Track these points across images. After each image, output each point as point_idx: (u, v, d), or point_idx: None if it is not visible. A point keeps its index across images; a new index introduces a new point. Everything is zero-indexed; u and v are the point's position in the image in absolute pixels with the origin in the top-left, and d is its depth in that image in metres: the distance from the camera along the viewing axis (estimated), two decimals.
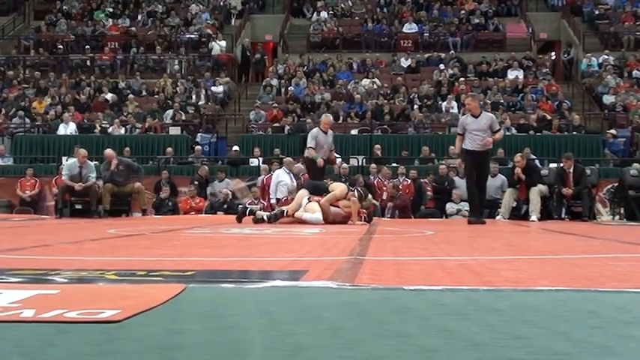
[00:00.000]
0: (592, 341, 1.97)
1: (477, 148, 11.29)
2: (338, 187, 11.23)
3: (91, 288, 3.11)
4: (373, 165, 17.74)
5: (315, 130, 13.36)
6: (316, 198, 11.02)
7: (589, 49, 26.70)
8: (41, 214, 16.46)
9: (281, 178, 15.42)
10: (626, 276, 3.78)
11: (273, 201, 14.87)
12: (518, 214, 14.28)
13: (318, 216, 10.70)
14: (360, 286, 3.09)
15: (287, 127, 21.61)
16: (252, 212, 11.59)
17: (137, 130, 21.53)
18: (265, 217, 10.85)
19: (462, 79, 24.44)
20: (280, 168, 16.05)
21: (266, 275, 3.63)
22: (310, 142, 12.98)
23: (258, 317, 2.33)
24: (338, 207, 10.97)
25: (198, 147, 20.28)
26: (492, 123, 11.56)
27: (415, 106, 22.71)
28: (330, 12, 30.20)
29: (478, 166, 11.50)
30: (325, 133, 13.10)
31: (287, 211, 10.81)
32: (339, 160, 19.00)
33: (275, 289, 3.05)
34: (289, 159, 16.59)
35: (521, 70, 25.34)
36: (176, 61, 26.93)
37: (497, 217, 14.38)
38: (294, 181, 14.95)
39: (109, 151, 15.08)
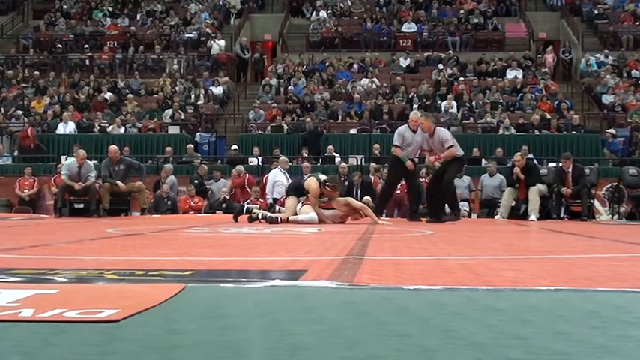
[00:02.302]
0: (592, 341, 1.97)
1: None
2: (310, 186, 10.91)
3: (90, 287, 3.10)
4: (373, 164, 17.75)
5: (403, 127, 12.54)
6: (308, 202, 10.99)
7: (588, 49, 26.71)
8: (40, 213, 16.46)
9: (278, 178, 15.41)
10: (626, 275, 3.78)
11: (270, 201, 14.82)
12: (517, 213, 14.28)
13: (313, 215, 10.70)
14: (360, 286, 3.09)
15: (286, 127, 21.62)
16: (249, 211, 11.56)
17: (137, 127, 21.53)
18: (260, 217, 10.81)
19: (461, 78, 24.45)
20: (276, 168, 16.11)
21: (265, 275, 3.63)
22: (396, 140, 12.25)
23: (257, 317, 2.33)
24: (334, 209, 10.96)
25: (189, 146, 20.08)
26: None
27: (414, 106, 22.69)
28: (330, 11, 30.21)
29: None
30: (414, 132, 12.21)
31: (280, 218, 10.77)
32: (337, 160, 19.03)
33: (274, 288, 3.05)
34: (284, 158, 16.61)
35: (520, 70, 25.36)
36: (175, 61, 26.91)
37: (497, 217, 14.39)
38: (289, 180, 14.97)
39: (113, 148, 15.00)
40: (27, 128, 20.74)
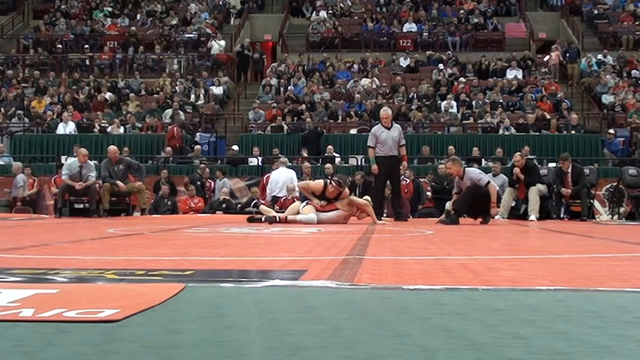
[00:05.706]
0: (592, 341, 1.97)
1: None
2: (316, 182, 11.45)
3: (90, 287, 3.10)
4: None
5: (376, 126, 12.53)
6: (312, 202, 11.04)
7: (588, 49, 26.72)
8: (40, 213, 16.45)
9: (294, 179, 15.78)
10: (626, 275, 3.78)
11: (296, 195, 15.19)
12: (517, 213, 14.29)
13: (312, 216, 10.73)
14: (360, 286, 3.08)
15: (286, 127, 21.63)
16: (257, 207, 11.61)
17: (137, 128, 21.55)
18: (262, 219, 10.85)
19: (461, 78, 24.46)
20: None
21: (265, 275, 3.63)
22: (369, 141, 12.27)
23: (257, 317, 2.32)
24: (337, 209, 10.99)
25: (197, 147, 20.26)
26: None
27: (414, 106, 22.72)
28: (330, 11, 30.22)
29: None
30: (388, 128, 12.23)
31: (279, 217, 10.79)
32: (337, 160, 19.02)
33: (274, 288, 3.05)
34: (307, 164, 16.95)
35: (520, 70, 25.37)
36: (175, 61, 26.94)
37: (497, 217, 14.37)
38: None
39: (112, 148, 15.00)
40: (173, 127, 20.48)
